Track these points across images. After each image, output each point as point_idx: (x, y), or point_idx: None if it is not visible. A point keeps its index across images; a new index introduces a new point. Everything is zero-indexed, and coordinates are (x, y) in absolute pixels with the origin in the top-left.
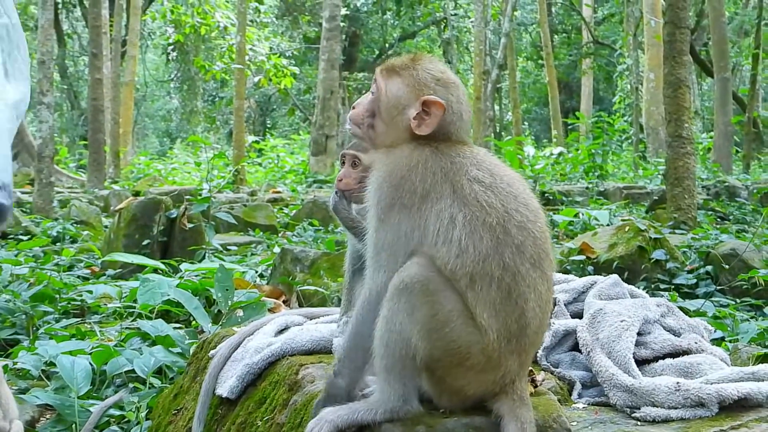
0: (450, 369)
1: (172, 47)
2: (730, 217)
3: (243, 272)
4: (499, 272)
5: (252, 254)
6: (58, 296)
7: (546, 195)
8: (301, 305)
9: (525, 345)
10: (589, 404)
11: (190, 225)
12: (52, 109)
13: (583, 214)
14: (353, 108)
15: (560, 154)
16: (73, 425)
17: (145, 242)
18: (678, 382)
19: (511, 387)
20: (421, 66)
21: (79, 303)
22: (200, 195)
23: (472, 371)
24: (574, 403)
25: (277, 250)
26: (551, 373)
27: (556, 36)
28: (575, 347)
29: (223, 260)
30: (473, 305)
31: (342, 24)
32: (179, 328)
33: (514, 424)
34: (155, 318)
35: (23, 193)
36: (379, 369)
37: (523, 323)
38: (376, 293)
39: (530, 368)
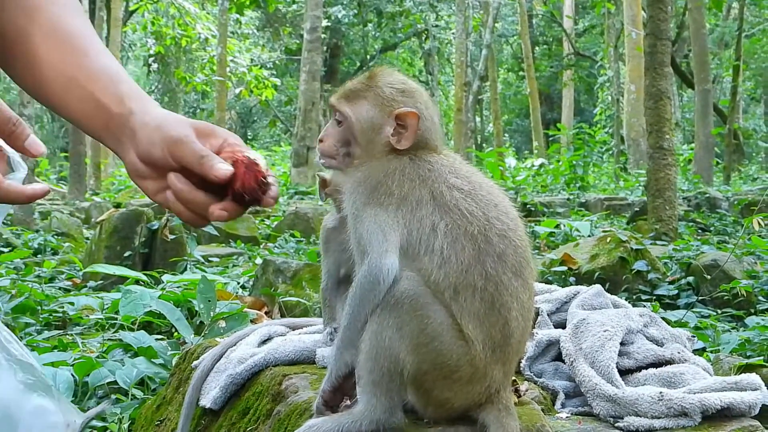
0: (437, 381)
1: (153, 59)
2: (711, 229)
3: (225, 283)
4: (482, 282)
5: (234, 265)
6: (39, 308)
7: (527, 206)
8: (283, 316)
9: (509, 354)
10: (572, 414)
11: (172, 236)
12: (32, 120)
13: (564, 226)
14: (321, 142)
15: (541, 165)
16: None
17: (126, 254)
18: (661, 392)
19: (496, 397)
20: (381, 82)
21: (60, 315)
22: None
23: (458, 383)
24: (558, 413)
25: (259, 261)
26: (534, 383)
27: (537, 47)
28: (558, 357)
29: (205, 271)
30: (458, 317)
31: (323, 36)
32: (161, 339)
33: None
34: (137, 329)
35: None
36: (365, 382)
37: (506, 333)
38: (368, 277)
39: (514, 378)
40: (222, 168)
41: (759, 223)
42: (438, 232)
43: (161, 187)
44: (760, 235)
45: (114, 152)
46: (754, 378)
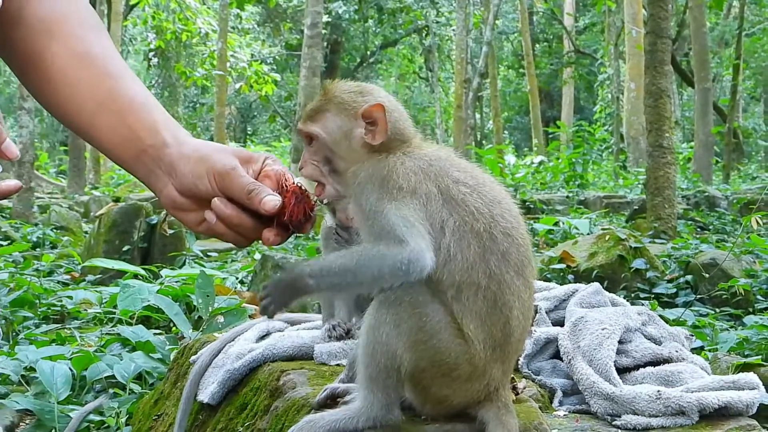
0: (435, 379)
1: (153, 53)
2: (710, 227)
3: (224, 278)
4: (486, 281)
5: (232, 260)
6: (37, 302)
7: (526, 204)
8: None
9: (509, 353)
10: (570, 412)
11: (171, 231)
12: (32, 114)
13: (563, 223)
14: (302, 169)
15: (541, 162)
16: (53, 430)
17: (125, 248)
18: (659, 391)
19: (495, 395)
20: (337, 91)
21: (59, 308)
22: None
23: (457, 381)
24: (555, 411)
25: (257, 256)
26: (532, 381)
27: (537, 45)
28: (556, 355)
29: (204, 266)
30: (459, 316)
31: (324, 31)
32: (159, 334)
33: (500, 431)
34: (135, 324)
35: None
36: (362, 378)
37: (507, 331)
38: (403, 259)
39: (511, 376)
40: (271, 202)
41: (757, 222)
42: (446, 230)
43: (203, 218)
44: (759, 234)
45: (144, 183)
46: (751, 377)
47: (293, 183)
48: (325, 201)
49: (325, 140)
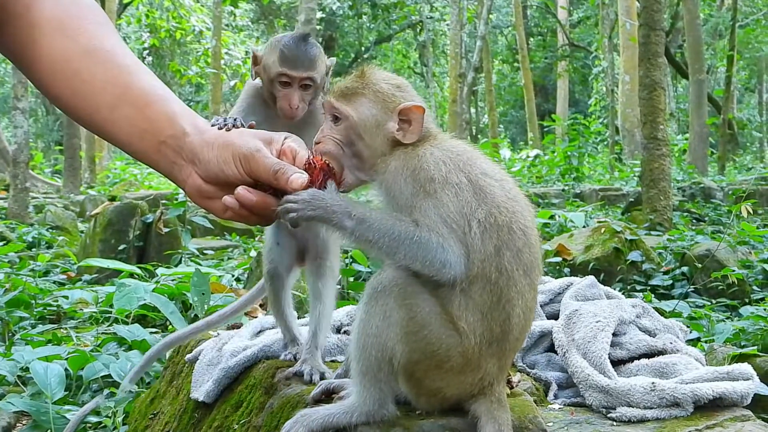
0: (428, 371)
1: (147, 51)
2: (706, 219)
3: (219, 276)
4: (496, 275)
5: (228, 258)
6: (33, 302)
7: None
8: None
9: (506, 349)
10: (564, 405)
11: (166, 229)
12: (27, 114)
13: (559, 216)
14: (320, 144)
15: (536, 156)
16: (49, 431)
17: (121, 247)
18: (653, 383)
19: (489, 389)
20: (376, 78)
21: (55, 308)
22: (176, 199)
23: (450, 373)
24: (550, 404)
25: (253, 254)
26: (527, 374)
27: (531, 39)
28: (551, 348)
29: (200, 264)
30: (461, 308)
31: (318, 27)
32: (156, 332)
33: (491, 426)
34: (131, 323)
35: None
36: (355, 372)
37: (506, 328)
38: (441, 254)
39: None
40: (298, 180)
41: (747, 210)
42: (472, 223)
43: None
44: (755, 226)
45: (167, 176)
46: (746, 368)
47: (321, 160)
48: (342, 190)
49: (355, 124)
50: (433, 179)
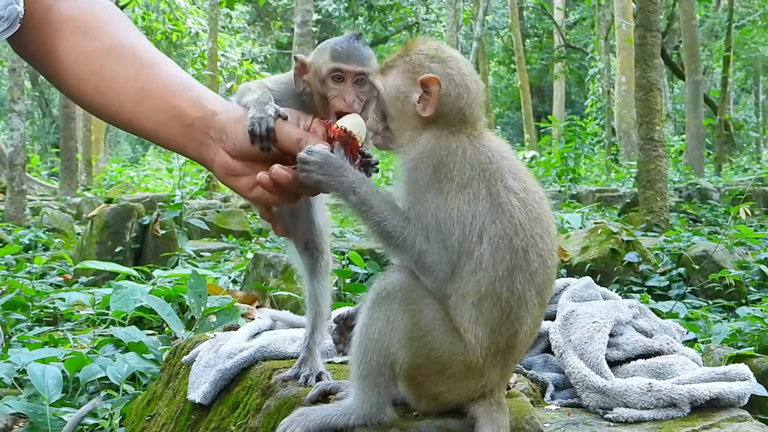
0: (430, 376)
1: None
2: (702, 220)
3: (216, 278)
4: (507, 294)
5: (225, 260)
6: (30, 304)
7: None
8: None
9: (509, 361)
10: (561, 406)
11: (163, 231)
12: (23, 116)
13: (555, 218)
14: (367, 120)
15: (533, 157)
16: None
17: (117, 249)
18: (650, 383)
19: (489, 393)
20: (413, 50)
21: (51, 311)
22: (173, 201)
23: (452, 379)
24: (547, 405)
25: (250, 255)
26: (524, 375)
27: (527, 40)
28: (548, 349)
29: (196, 266)
30: (471, 321)
31: (314, 29)
32: (152, 334)
33: (489, 427)
34: (128, 325)
35: None
36: (354, 375)
37: (512, 343)
38: (432, 255)
39: None
40: (318, 148)
41: (746, 212)
42: (484, 239)
43: (255, 183)
44: (750, 227)
45: (194, 158)
46: (742, 368)
47: (336, 127)
48: (368, 149)
49: (383, 96)
50: (452, 180)
